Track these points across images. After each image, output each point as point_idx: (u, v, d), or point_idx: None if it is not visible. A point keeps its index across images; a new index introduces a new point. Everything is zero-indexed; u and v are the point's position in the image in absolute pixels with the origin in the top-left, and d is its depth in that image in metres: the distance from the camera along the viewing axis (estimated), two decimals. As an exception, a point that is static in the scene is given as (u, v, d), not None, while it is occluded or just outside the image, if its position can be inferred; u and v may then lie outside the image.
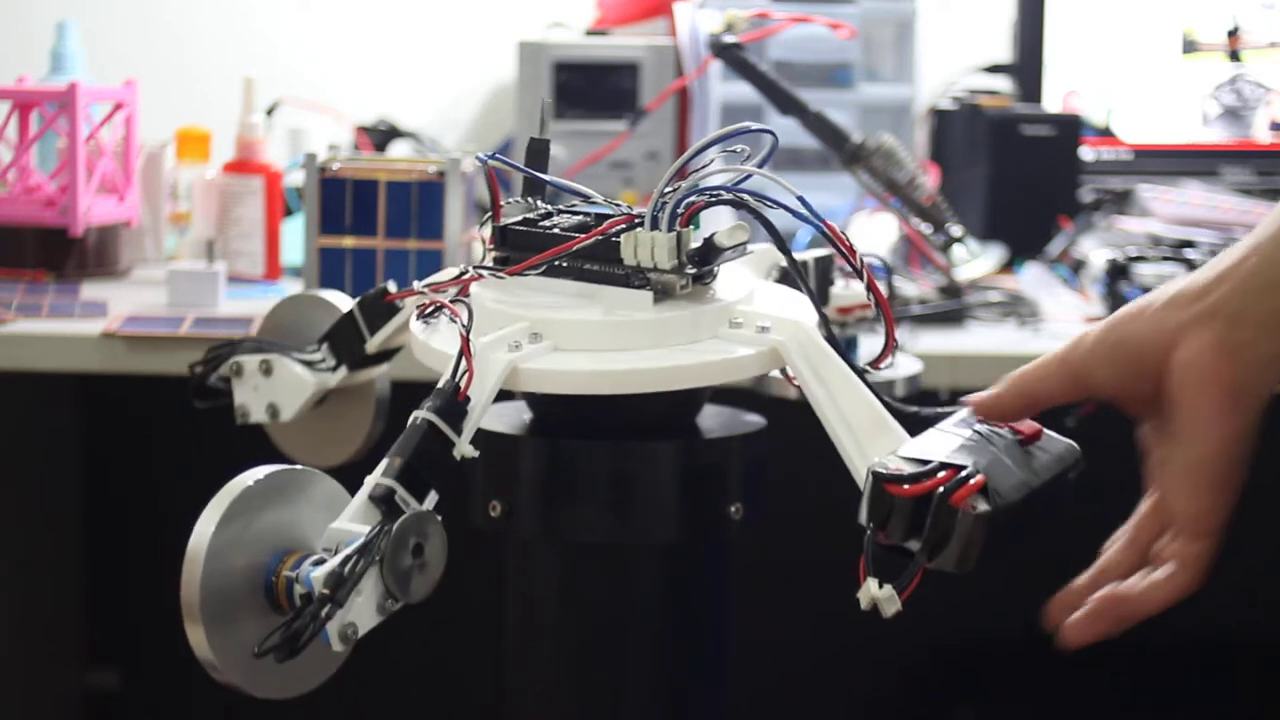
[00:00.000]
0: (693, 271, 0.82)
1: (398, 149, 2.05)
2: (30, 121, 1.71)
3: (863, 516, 0.76)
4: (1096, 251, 1.72)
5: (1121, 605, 0.78)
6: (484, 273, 0.86)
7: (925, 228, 1.60)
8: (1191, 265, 1.58)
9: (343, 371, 1.03)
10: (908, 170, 1.58)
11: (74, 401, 2.09)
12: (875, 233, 1.81)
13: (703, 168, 0.83)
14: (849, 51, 1.97)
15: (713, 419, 0.91)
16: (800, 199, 0.82)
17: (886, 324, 0.83)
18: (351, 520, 0.76)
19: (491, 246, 0.88)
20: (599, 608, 0.89)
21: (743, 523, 0.88)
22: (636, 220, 0.83)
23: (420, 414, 0.79)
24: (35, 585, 2.01)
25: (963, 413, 0.80)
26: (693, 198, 0.82)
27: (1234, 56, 2.06)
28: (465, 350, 0.80)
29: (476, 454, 0.80)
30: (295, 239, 1.63)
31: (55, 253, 1.67)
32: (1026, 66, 2.09)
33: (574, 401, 0.86)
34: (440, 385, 0.80)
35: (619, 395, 0.84)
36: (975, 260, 1.73)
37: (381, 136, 2.03)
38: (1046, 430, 0.80)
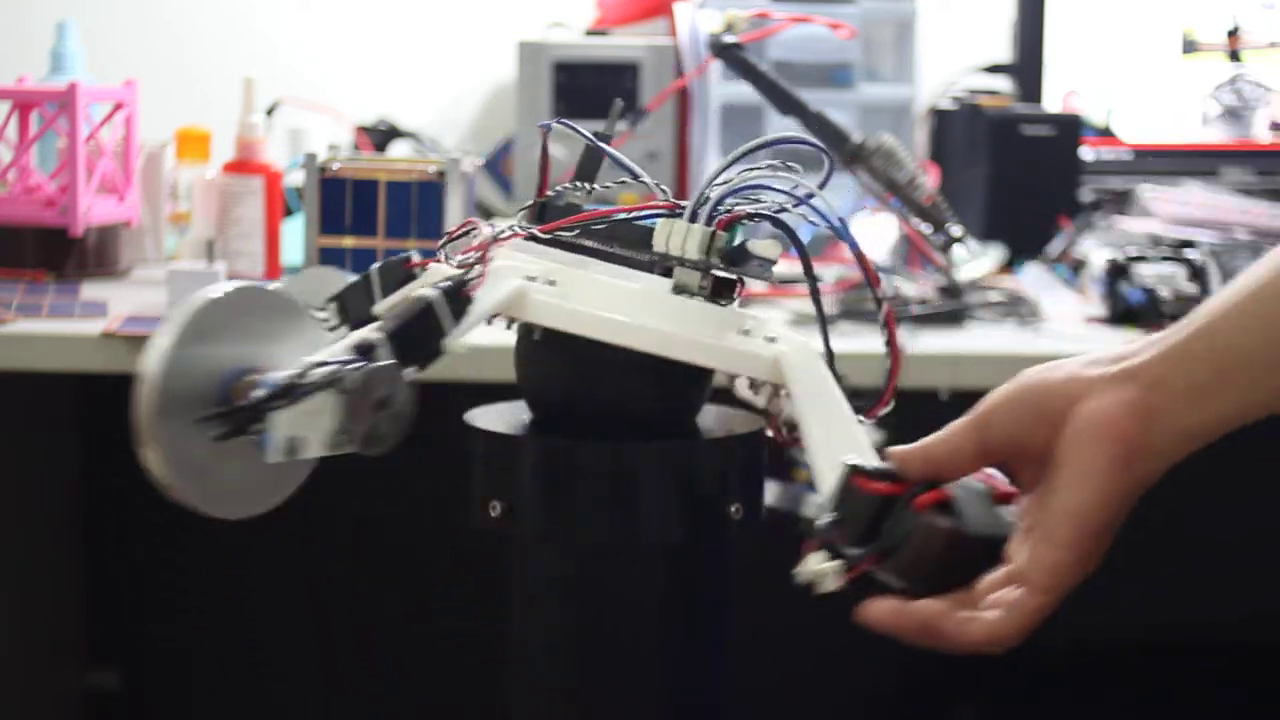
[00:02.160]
0: (718, 271, 0.83)
1: (398, 149, 2.05)
2: (30, 121, 1.71)
3: (823, 512, 0.76)
4: (1096, 251, 1.72)
5: (931, 632, 0.74)
6: (520, 231, 0.87)
7: (925, 228, 1.60)
8: (1191, 265, 1.58)
9: (344, 332, 0.96)
10: (908, 170, 1.58)
11: (74, 401, 2.09)
12: (875, 233, 1.81)
13: (754, 172, 0.84)
14: (849, 51, 1.97)
15: (713, 419, 0.91)
16: (842, 222, 0.83)
17: (892, 373, 0.82)
18: (328, 356, 0.79)
19: (530, 219, 0.88)
20: (599, 608, 0.89)
21: (743, 523, 0.88)
22: (678, 209, 0.84)
23: (425, 293, 0.80)
24: (35, 585, 2.01)
25: None
26: (732, 201, 0.83)
27: (1234, 56, 2.06)
28: (484, 252, 0.81)
29: (464, 351, 0.81)
30: (295, 239, 1.63)
31: (55, 253, 1.67)
32: (1026, 66, 2.09)
33: (575, 400, 0.86)
34: (452, 274, 0.81)
35: (620, 393, 0.85)
36: (975, 260, 1.73)
37: (381, 136, 2.04)
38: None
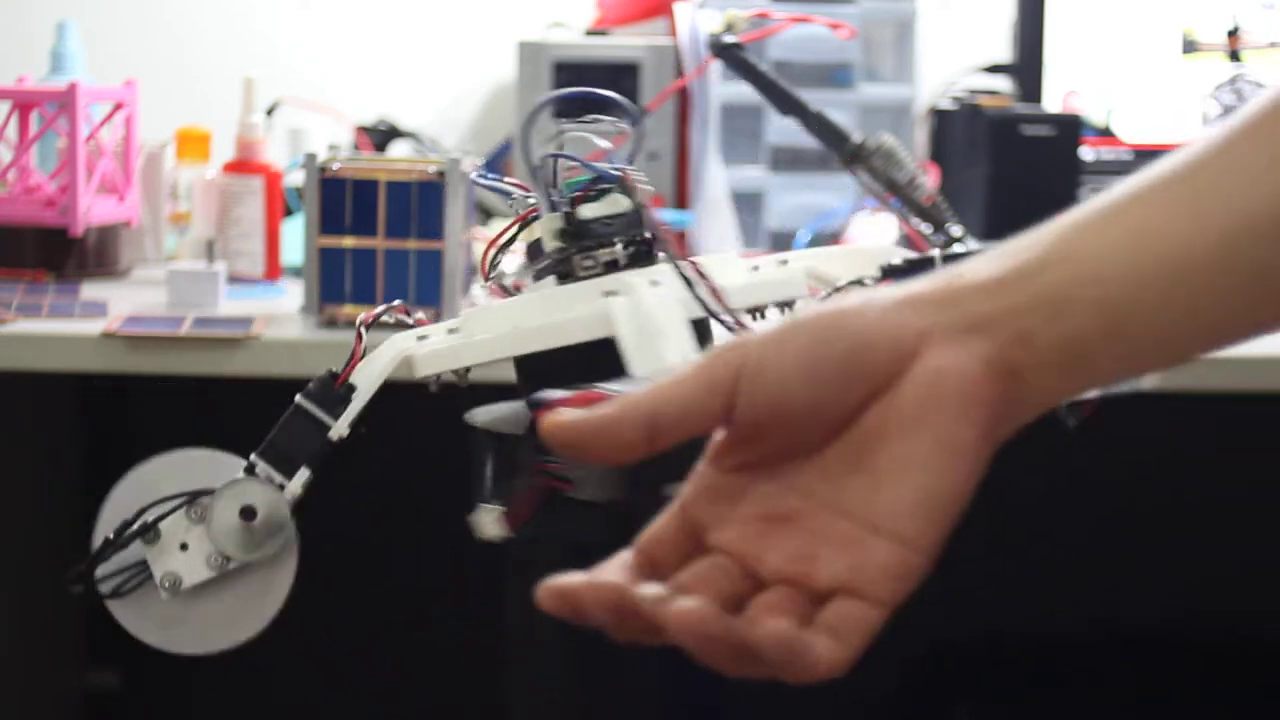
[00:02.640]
0: (574, 249, 0.84)
1: (398, 149, 2.05)
2: (30, 121, 1.71)
3: None
4: (1096, 251, 1.72)
5: (748, 660, 0.55)
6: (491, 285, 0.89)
7: (925, 228, 1.60)
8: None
9: (304, 476, 0.89)
10: (908, 170, 1.58)
11: (74, 401, 2.09)
12: (875, 233, 1.81)
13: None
14: (849, 51, 1.97)
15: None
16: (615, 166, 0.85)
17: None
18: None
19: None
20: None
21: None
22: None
23: (298, 399, 0.86)
24: (35, 585, 2.01)
25: None
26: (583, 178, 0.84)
27: (1234, 56, 2.06)
28: (357, 338, 0.86)
29: (346, 434, 0.86)
30: (295, 239, 1.63)
31: (55, 253, 1.67)
32: (1026, 66, 2.09)
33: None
34: (321, 374, 0.86)
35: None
36: (975, 260, 1.72)
37: (381, 136, 2.04)
38: None
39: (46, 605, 2.06)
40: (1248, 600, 2.15)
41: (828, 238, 1.85)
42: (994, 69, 2.15)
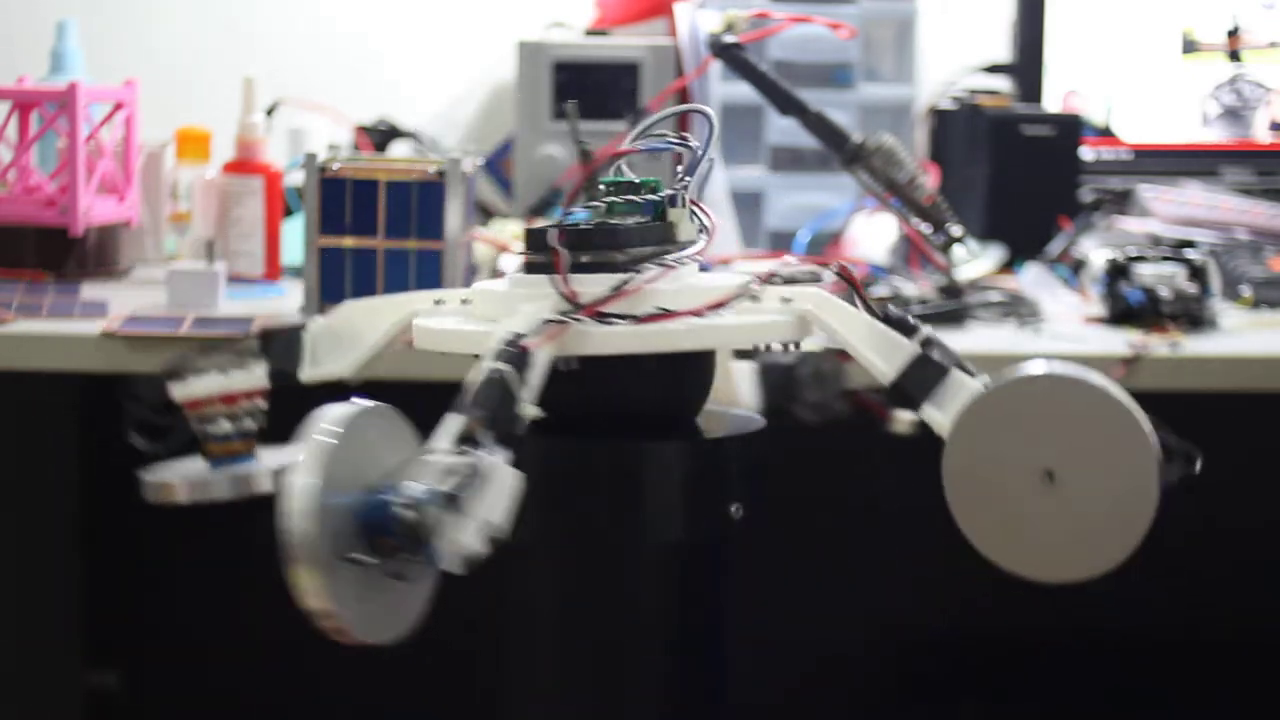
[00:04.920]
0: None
1: (398, 149, 2.05)
2: (30, 121, 1.71)
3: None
4: (1096, 251, 1.72)
5: None
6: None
7: (925, 228, 1.60)
8: (1191, 265, 1.58)
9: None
10: (908, 170, 1.58)
11: (74, 401, 2.09)
12: (875, 233, 1.81)
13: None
14: (849, 51, 1.97)
15: (713, 419, 0.91)
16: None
17: None
18: (444, 453, 0.76)
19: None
20: (599, 608, 0.89)
21: (742, 523, 0.88)
22: None
23: (494, 366, 0.79)
24: (35, 585, 2.01)
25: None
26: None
27: (1234, 56, 2.06)
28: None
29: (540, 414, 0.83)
30: (295, 239, 1.62)
31: (55, 253, 1.67)
32: (1026, 66, 2.09)
33: (574, 400, 0.86)
34: (506, 338, 0.80)
35: (622, 394, 0.85)
36: (975, 260, 1.72)
37: (381, 136, 2.03)
38: None
39: (46, 605, 2.06)
40: (1249, 600, 2.15)
41: (828, 238, 1.85)
42: (994, 69, 2.15)
